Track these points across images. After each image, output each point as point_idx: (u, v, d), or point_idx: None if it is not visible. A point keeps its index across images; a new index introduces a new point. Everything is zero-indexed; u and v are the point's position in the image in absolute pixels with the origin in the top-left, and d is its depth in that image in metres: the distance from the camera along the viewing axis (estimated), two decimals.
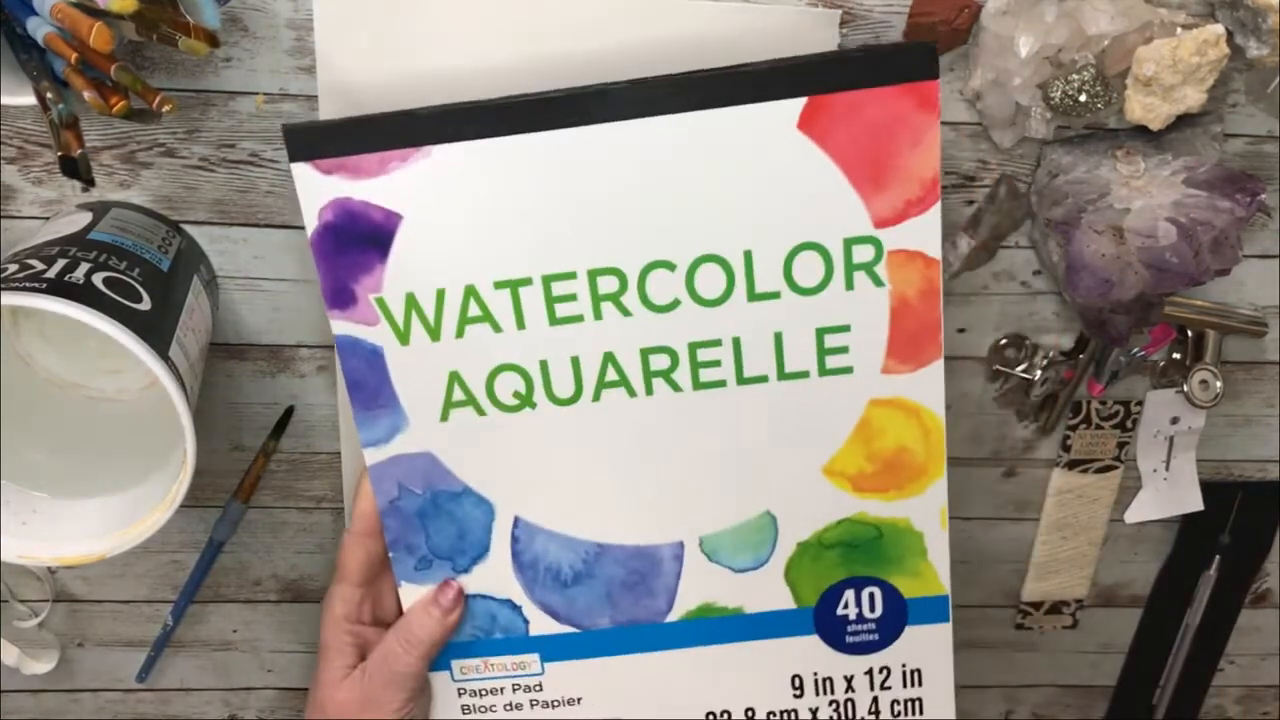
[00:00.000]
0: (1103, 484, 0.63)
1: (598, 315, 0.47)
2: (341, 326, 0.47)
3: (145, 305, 0.43)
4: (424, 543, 0.51)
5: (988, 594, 0.67)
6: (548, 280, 0.46)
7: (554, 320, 0.47)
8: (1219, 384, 0.58)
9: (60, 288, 0.41)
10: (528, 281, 0.46)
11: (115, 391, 0.53)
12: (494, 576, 0.52)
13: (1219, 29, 0.47)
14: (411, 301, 0.46)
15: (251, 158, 0.50)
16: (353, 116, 0.44)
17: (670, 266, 0.46)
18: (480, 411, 0.49)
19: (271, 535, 0.60)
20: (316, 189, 0.45)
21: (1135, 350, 0.59)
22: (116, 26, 0.41)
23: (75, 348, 0.52)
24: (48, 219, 0.50)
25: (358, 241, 0.45)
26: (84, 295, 0.41)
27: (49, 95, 0.41)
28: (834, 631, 0.53)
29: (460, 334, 0.47)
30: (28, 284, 0.41)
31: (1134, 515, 0.64)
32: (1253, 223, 0.53)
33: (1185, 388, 0.59)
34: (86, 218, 0.48)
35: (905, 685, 0.54)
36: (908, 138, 0.44)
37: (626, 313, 0.47)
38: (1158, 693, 0.72)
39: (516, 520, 0.51)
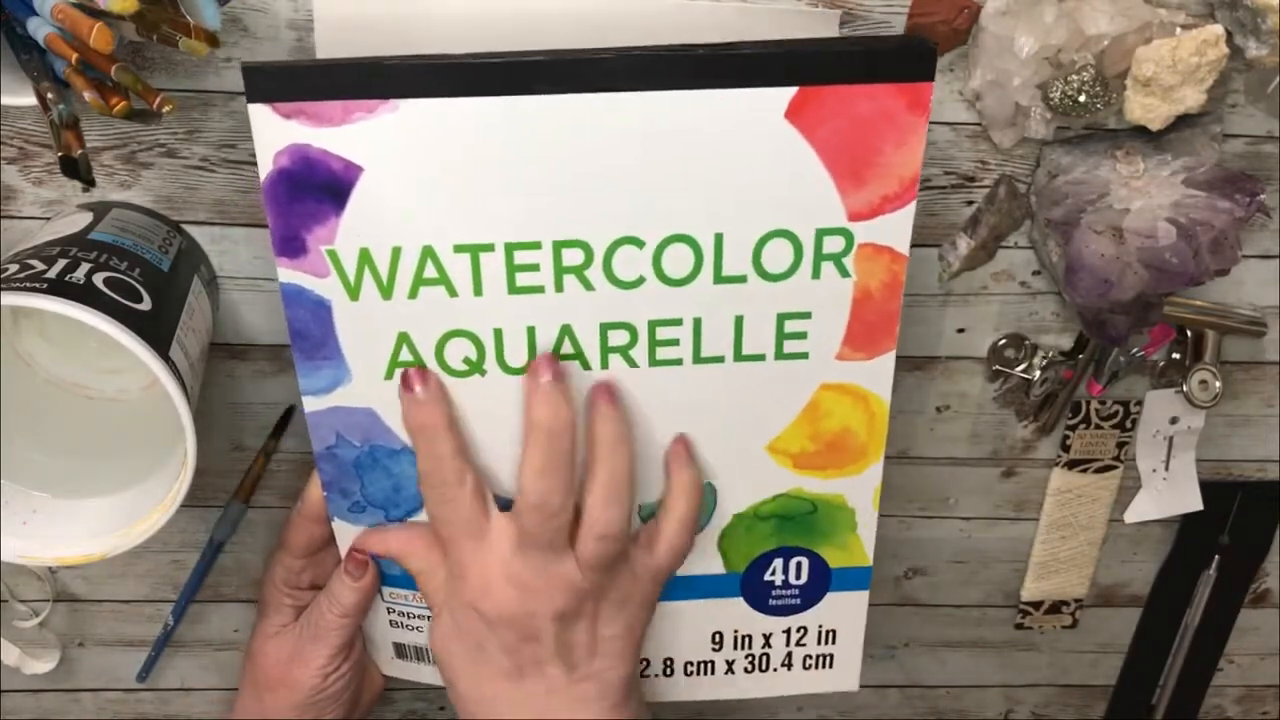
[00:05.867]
0: (1102, 484, 0.63)
1: (559, 288, 0.45)
2: (289, 275, 0.44)
3: (146, 305, 0.43)
4: (358, 490, 0.50)
5: (987, 594, 0.67)
6: (511, 249, 0.44)
7: (513, 289, 0.45)
8: (1218, 384, 0.58)
9: (61, 288, 0.41)
10: (489, 248, 0.44)
11: (115, 391, 0.53)
12: None
13: (1218, 29, 0.47)
14: (365, 257, 0.44)
15: (252, 158, 0.50)
16: (318, 60, 0.42)
17: (639, 244, 0.45)
18: None
19: (271, 535, 0.60)
20: (274, 132, 0.42)
21: (1135, 350, 0.59)
22: (117, 27, 0.41)
23: (75, 348, 0.52)
24: (48, 219, 0.50)
25: (313, 190, 0.43)
26: (84, 295, 0.41)
27: (49, 95, 0.41)
28: (758, 595, 0.55)
29: (414, 295, 0.45)
30: (28, 284, 0.41)
31: (1133, 515, 0.64)
32: (1252, 223, 0.53)
33: (1185, 388, 0.59)
34: (87, 218, 0.48)
35: (819, 643, 0.56)
36: (894, 137, 0.43)
37: (589, 287, 0.45)
38: (1157, 692, 0.72)
39: None
